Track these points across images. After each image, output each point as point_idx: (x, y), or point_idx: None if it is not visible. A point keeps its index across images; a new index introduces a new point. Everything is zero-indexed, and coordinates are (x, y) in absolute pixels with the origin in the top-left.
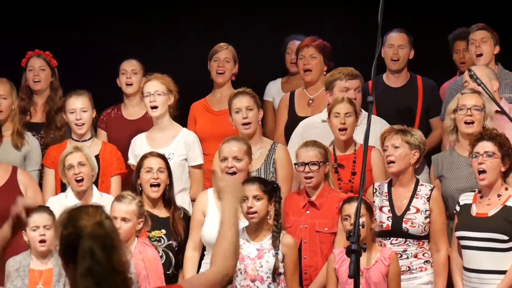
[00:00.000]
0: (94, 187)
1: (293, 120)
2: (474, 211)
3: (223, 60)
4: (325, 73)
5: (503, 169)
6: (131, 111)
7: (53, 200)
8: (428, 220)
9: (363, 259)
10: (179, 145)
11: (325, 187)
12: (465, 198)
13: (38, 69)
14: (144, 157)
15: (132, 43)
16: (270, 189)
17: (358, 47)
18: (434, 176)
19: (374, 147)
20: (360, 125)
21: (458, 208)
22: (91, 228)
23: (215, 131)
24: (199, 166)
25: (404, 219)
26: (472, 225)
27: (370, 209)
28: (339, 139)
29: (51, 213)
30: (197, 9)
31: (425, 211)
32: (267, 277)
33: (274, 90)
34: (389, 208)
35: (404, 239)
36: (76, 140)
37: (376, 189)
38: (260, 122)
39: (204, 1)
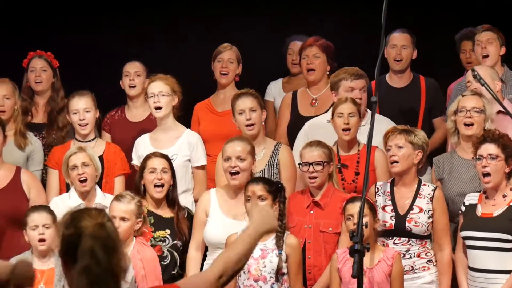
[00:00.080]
0: (98, 188)
1: (296, 120)
2: (479, 211)
3: (226, 60)
4: (328, 73)
5: (507, 170)
6: (135, 113)
7: (56, 200)
8: (431, 220)
9: (366, 259)
10: (183, 146)
11: (329, 187)
12: (470, 199)
13: (40, 70)
14: (147, 157)
15: (132, 43)
16: (275, 189)
17: (358, 47)
18: (436, 178)
19: (378, 147)
20: (366, 125)
21: (463, 208)
22: (92, 228)
23: (219, 132)
24: (202, 167)
25: (407, 219)
26: (477, 225)
27: (373, 209)
28: (342, 139)
29: (50, 212)
30: (197, 9)
31: (428, 210)
32: (270, 277)
33: (275, 90)
34: (392, 207)
35: (407, 239)
36: (80, 141)
37: (378, 188)
38: (263, 123)
39: (204, 1)
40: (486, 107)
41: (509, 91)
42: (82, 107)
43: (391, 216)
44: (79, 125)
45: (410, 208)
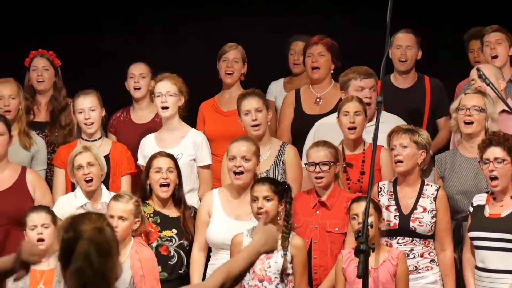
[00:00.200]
0: (103, 187)
1: (300, 118)
2: (487, 212)
3: (231, 60)
4: (332, 71)
5: None
6: (140, 114)
7: (62, 199)
8: (434, 219)
9: (371, 259)
10: (188, 145)
11: (336, 187)
12: (478, 199)
13: (42, 69)
14: (153, 157)
15: (132, 43)
16: (281, 189)
17: (358, 48)
18: (438, 176)
19: (383, 146)
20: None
21: (471, 209)
22: (90, 232)
23: (224, 132)
24: (207, 166)
25: (411, 218)
26: (485, 226)
27: (378, 208)
28: (348, 138)
29: (50, 212)
30: (197, 9)
31: (432, 210)
32: (275, 277)
33: (277, 90)
34: (395, 207)
35: (410, 239)
36: (86, 140)
37: (381, 188)
38: (269, 123)
39: (204, 1)
40: (487, 106)
41: None
42: (87, 106)
43: (395, 216)
44: (85, 124)
45: (414, 207)
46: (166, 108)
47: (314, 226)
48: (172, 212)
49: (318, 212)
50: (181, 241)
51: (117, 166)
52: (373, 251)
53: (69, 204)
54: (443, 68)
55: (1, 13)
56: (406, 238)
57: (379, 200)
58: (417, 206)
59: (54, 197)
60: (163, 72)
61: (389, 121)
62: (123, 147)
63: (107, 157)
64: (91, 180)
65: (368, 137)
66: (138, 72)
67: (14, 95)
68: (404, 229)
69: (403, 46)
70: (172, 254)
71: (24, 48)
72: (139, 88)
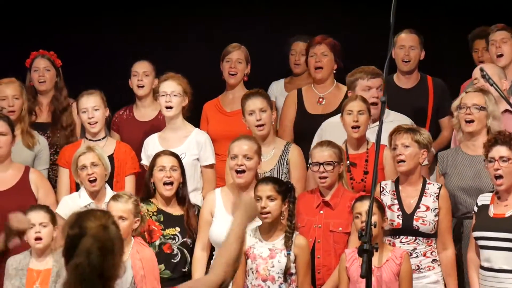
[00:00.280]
0: (108, 187)
1: (303, 117)
2: (492, 211)
3: (235, 61)
4: (334, 71)
5: None
6: (143, 112)
7: (66, 199)
8: (437, 218)
9: (374, 258)
10: (191, 145)
11: (339, 187)
12: (483, 199)
13: (43, 70)
14: (157, 155)
15: (133, 43)
16: (285, 189)
17: (359, 48)
18: (439, 173)
19: (387, 146)
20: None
21: (476, 208)
22: (95, 229)
23: (228, 132)
24: (211, 166)
25: (414, 217)
26: (489, 226)
27: (381, 208)
28: (351, 136)
29: (48, 211)
30: (197, 9)
31: (435, 209)
32: (279, 277)
33: (277, 90)
34: (398, 206)
35: (414, 238)
36: (90, 140)
37: (383, 187)
38: (273, 123)
39: (204, 1)
40: (487, 104)
41: None
42: (90, 106)
43: (398, 215)
44: (89, 123)
45: (417, 206)
46: (170, 108)
47: (318, 225)
48: (175, 210)
49: (321, 211)
50: (184, 239)
51: (121, 166)
52: (376, 251)
53: (73, 204)
54: (446, 68)
55: (1, 13)
56: (409, 237)
57: (382, 200)
58: (420, 205)
59: (58, 197)
60: (167, 72)
61: (399, 120)
62: (127, 146)
63: (111, 157)
64: (95, 180)
65: (373, 136)
66: (141, 70)
67: (18, 95)
68: (407, 228)
69: (406, 46)
70: (175, 252)
71: (24, 48)
72: (143, 86)
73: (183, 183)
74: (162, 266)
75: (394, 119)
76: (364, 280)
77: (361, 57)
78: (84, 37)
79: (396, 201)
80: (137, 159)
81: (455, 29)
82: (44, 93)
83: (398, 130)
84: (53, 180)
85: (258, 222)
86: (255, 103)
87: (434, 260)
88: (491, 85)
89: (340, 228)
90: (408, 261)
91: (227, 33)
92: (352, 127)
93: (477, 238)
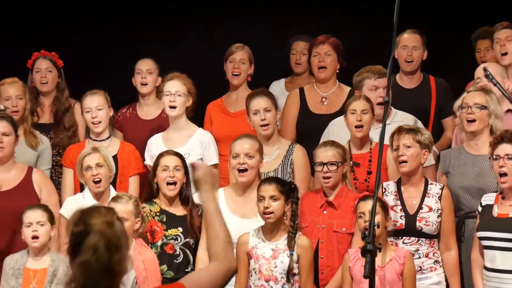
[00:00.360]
0: (112, 188)
1: (306, 117)
2: (496, 211)
3: (238, 61)
4: (337, 71)
5: None
6: (146, 111)
7: (70, 199)
8: (440, 218)
9: (377, 258)
10: (195, 145)
11: (343, 187)
12: (487, 199)
13: (45, 71)
14: (160, 155)
15: (132, 43)
16: (288, 189)
17: (359, 48)
18: (442, 172)
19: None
20: (391, 123)
21: (480, 208)
22: (100, 225)
23: (231, 133)
24: (214, 166)
25: (417, 218)
26: (493, 226)
27: (385, 207)
28: (355, 136)
29: (46, 210)
30: (197, 9)
31: (437, 209)
32: (281, 277)
33: (278, 89)
34: (400, 207)
35: (416, 238)
36: (94, 140)
37: (385, 188)
38: (277, 123)
39: (204, 1)
40: (489, 103)
41: None
42: (94, 105)
43: (401, 216)
44: (92, 123)
45: (420, 207)
46: (174, 107)
47: (321, 226)
48: (178, 210)
49: (325, 212)
50: (187, 240)
51: (125, 166)
52: (379, 251)
53: (77, 205)
54: (449, 68)
55: (2, 13)
56: (412, 238)
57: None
58: (423, 206)
59: (62, 197)
60: (167, 72)
61: (408, 120)
62: (131, 147)
63: (115, 157)
64: (99, 181)
65: (378, 137)
66: (145, 68)
67: (21, 96)
68: (410, 229)
69: (409, 46)
70: (177, 252)
71: (24, 48)
72: (146, 84)
73: (187, 183)
74: (165, 267)
75: (402, 118)
76: (367, 280)
77: (361, 57)
78: (84, 37)
79: (398, 202)
80: (141, 160)
81: (457, 29)
82: (46, 94)
83: (399, 130)
84: (55, 181)
85: (261, 222)
86: (260, 102)
87: (436, 261)
88: (495, 84)
89: (344, 229)
90: (412, 261)
91: (227, 33)
92: (356, 127)
93: (481, 238)
